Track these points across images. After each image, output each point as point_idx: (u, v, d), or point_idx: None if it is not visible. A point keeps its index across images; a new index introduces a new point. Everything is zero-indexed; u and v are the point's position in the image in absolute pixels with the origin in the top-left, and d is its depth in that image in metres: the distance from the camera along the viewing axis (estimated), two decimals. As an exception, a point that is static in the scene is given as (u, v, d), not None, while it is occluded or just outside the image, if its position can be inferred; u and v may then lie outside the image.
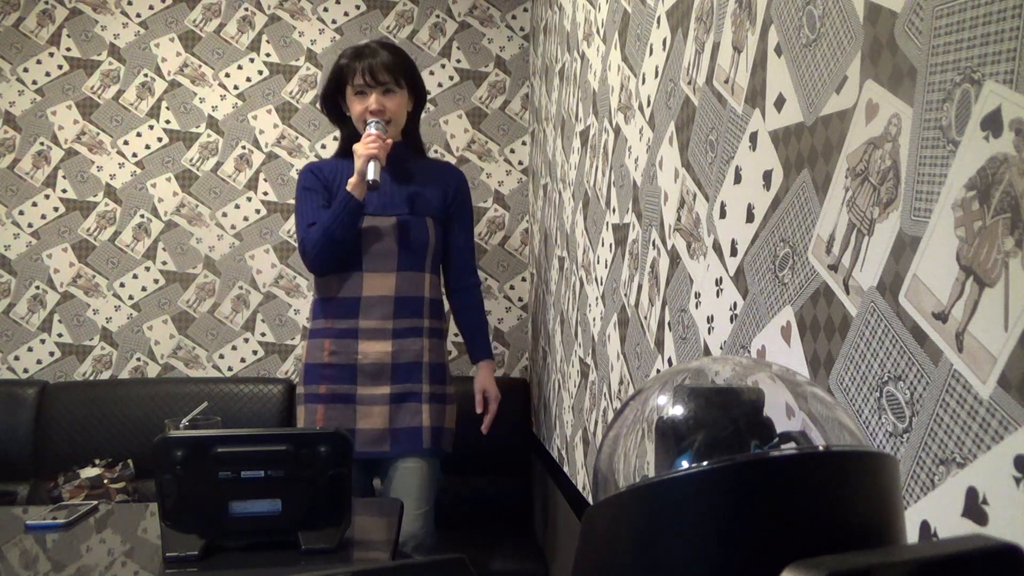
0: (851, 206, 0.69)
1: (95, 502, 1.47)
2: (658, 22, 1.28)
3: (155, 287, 2.89)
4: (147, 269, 2.88)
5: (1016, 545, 0.35)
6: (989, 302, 0.52)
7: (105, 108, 2.89)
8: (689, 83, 1.13)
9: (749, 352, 0.90)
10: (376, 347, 1.90)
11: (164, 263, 2.89)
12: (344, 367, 1.90)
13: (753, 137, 0.90)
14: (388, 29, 3.00)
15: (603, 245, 1.66)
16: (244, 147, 2.93)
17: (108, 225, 2.87)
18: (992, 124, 0.52)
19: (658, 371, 1.26)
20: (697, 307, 1.08)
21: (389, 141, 1.88)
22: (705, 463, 0.41)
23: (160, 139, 2.90)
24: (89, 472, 2.40)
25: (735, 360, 0.59)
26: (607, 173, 1.63)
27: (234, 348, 2.90)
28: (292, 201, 2.93)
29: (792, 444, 0.48)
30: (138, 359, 2.87)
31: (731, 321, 0.96)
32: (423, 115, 2.30)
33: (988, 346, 0.52)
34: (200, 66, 2.93)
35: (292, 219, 2.92)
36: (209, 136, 2.92)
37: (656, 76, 1.29)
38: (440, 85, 2.98)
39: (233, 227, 2.92)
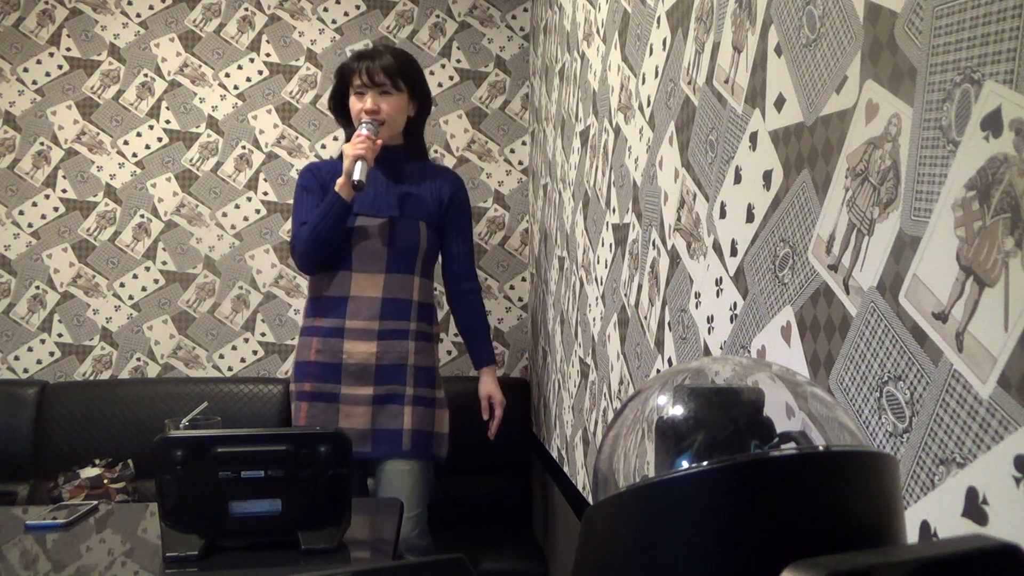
0: (851, 206, 0.69)
1: (95, 502, 1.47)
2: (658, 22, 1.28)
3: (155, 287, 2.89)
4: (147, 269, 2.88)
5: (1016, 545, 0.35)
6: (989, 302, 0.52)
7: (105, 108, 2.89)
8: (689, 83, 1.13)
9: (749, 352, 0.90)
10: (361, 347, 1.90)
11: (164, 263, 2.89)
12: (329, 366, 1.90)
13: (753, 137, 0.90)
14: (388, 29, 3.00)
15: (603, 245, 1.66)
16: (244, 147, 2.93)
17: (108, 225, 2.87)
18: (992, 124, 0.52)
19: (658, 371, 1.26)
20: (697, 307, 1.08)
21: (379, 142, 1.88)
22: (705, 463, 0.41)
23: (160, 139, 2.90)
24: (89, 472, 2.40)
25: (735, 360, 0.59)
26: (607, 173, 1.63)
27: (234, 348, 2.90)
28: (292, 201, 2.93)
29: (792, 444, 0.48)
30: (138, 359, 2.87)
31: (731, 321, 0.96)
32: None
33: (988, 346, 0.52)
34: (200, 66, 2.93)
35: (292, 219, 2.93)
36: (209, 136, 2.92)
37: (656, 76, 1.29)
38: (440, 85, 2.98)
39: (233, 227, 2.92)
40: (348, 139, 2.04)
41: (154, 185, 2.90)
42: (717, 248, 1.01)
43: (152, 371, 2.87)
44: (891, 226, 0.63)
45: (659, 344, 1.25)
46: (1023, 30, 0.50)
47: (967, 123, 0.55)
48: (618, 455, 0.51)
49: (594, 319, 1.73)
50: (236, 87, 2.93)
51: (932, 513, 0.58)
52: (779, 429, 0.49)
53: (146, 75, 2.91)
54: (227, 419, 2.42)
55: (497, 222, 3.01)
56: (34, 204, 2.84)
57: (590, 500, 1.14)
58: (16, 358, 2.82)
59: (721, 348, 1.00)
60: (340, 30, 2.98)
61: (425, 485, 1.92)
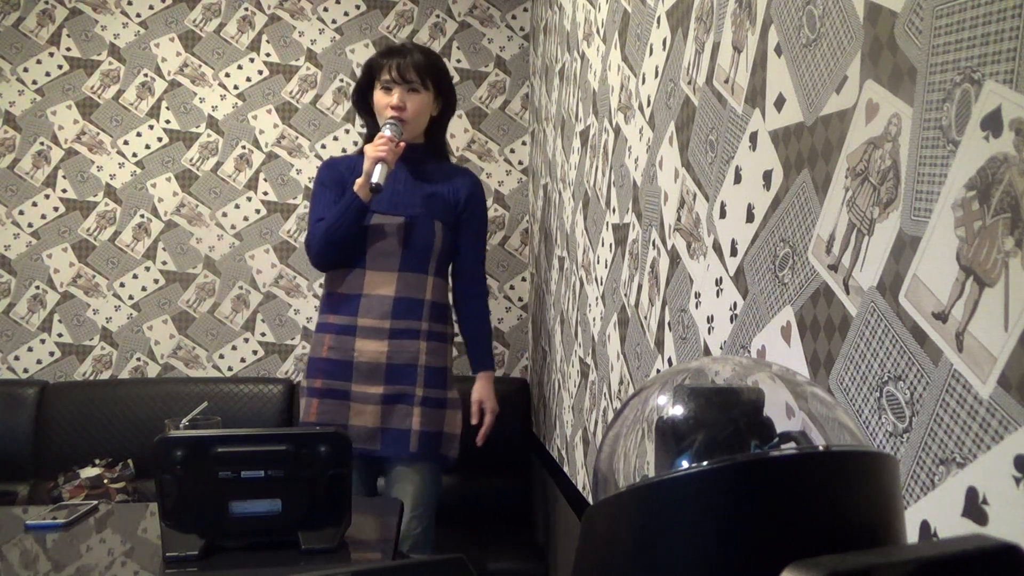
0: (851, 206, 0.69)
1: (95, 502, 1.47)
2: (658, 22, 1.28)
3: (155, 287, 2.88)
4: (147, 269, 2.88)
5: (1016, 545, 0.35)
6: (989, 302, 0.52)
7: (105, 108, 2.89)
8: (689, 83, 1.13)
9: (749, 352, 0.90)
10: (372, 346, 1.90)
11: (164, 263, 2.89)
12: (341, 363, 1.91)
13: (753, 137, 0.90)
14: (388, 29, 3.00)
15: (603, 245, 1.66)
16: (244, 147, 2.93)
17: (108, 225, 2.87)
18: (992, 124, 0.52)
19: (658, 371, 1.26)
20: (697, 307, 1.08)
21: (402, 145, 1.88)
22: (705, 463, 0.41)
23: (160, 139, 2.90)
24: (89, 472, 2.40)
25: (735, 360, 0.59)
26: (607, 173, 1.63)
27: (234, 348, 2.90)
28: (292, 201, 2.94)
29: (792, 444, 0.48)
30: (138, 359, 2.87)
31: (731, 321, 0.96)
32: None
33: (988, 346, 0.52)
34: (200, 66, 2.93)
35: (292, 219, 2.93)
36: (209, 136, 2.92)
37: (656, 76, 1.29)
38: (440, 85, 2.98)
39: (233, 227, 2.92)
40: (369, 133, 2.04)
41: (154, 185, 2.90)
42: (717, 248, 1.01)
43: (152, 371, 2.87)
44: (891, 226, 0.63)
45: (659, 344, 1.25)
46: (1023, 30, 0.50)
47: (967, 123, 0.55)
48: (618, 455, 0.51)
49: (594, 319, 1.73)
50: (236, 87, 2.93)
51: (932, 513, 0.58)
52: (779, 429, 0.49)
53: (146, 75, 2.91)
54: (227, 419, 2.41)
55: (497, 222, 3.01)
56: (34, 204, 2.84)
57: (590, 500, 1.14)
58: (16, 358, 2.82)
59: (721, 348, 1.00)
60: (340, 30, 2.98)
61: (432, 486, 1.92)
